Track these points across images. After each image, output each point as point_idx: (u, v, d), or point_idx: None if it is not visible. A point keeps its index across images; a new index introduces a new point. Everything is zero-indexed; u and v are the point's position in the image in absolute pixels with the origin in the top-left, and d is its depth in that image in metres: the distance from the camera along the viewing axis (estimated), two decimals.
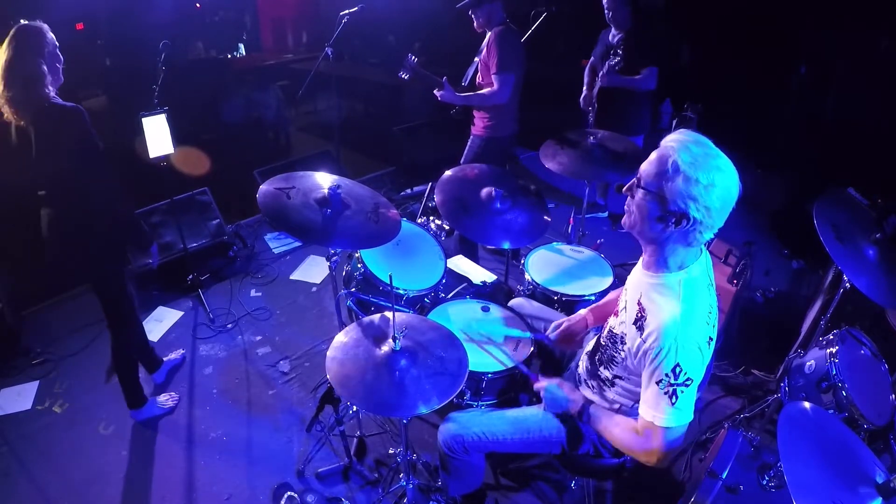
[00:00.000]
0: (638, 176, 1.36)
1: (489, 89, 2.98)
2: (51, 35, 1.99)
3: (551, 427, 1.71)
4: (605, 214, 4.34)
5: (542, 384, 1.71)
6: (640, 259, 1.52)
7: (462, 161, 3.23)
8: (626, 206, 1.42)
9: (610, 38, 3.48)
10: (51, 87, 1.96)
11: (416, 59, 2.85)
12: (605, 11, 3.39)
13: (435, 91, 2.99)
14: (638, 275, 1.52)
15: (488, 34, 2.98)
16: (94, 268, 2.21)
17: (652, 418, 1.37)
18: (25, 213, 2.20)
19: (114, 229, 2.16)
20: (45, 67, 1.93)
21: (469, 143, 3.24)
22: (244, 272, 3.64)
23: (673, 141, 1.30)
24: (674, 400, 1.32)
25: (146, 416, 2.57)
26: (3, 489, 2.27)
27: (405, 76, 2.89)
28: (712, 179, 1.24)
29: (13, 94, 1.89)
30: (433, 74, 2.96)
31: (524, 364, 1.93)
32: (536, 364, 2.07)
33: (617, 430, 1.51)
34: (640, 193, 1.35)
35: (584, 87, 3.81)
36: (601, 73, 3.43)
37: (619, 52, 3.34)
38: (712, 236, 1.35)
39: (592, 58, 3.69)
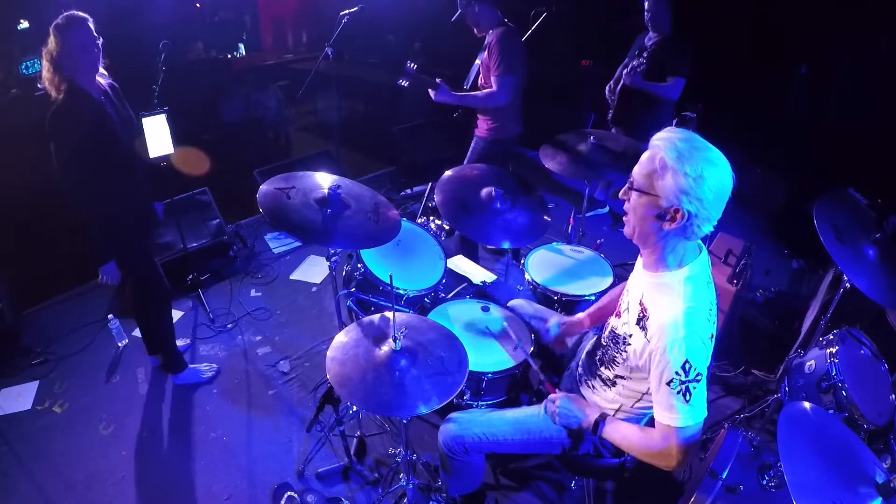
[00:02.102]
0: (631, 179, 1.37)
1: (487, 91, 2.97)
2: (83, 25, 2.05)
3: (552, 428, 1.70)
4: (606, 210, 4.33)
5: (557, 396, 1.68)
6: (639, 260, 1.52)
7: (465, 162, 3.22)
8: (623, 212, 1.42)
9: (646, 41, 3.43)
10: (79, 76, 2.07)
11: (414, 66, 2.82)
12: (645, 13, 3.31)
13: (430, 91, 2.98)
14: (638, 275, 1.53)
15: (489, 36, 2.97)
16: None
17: (669, 421, 1.36)
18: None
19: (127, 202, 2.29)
20: (72, 57, 2.02)
21: (472, 145, 3.23)
22: (244, 272, 3.64)
23: (660, 140, 1.31)
24: (688, 397, 1.32)
25: (183, 382, 2.77)
26: (3, 489, 2.27)
27: (405, 83, 2.85)
28: (700, 171, 1.24)
29: (55, 80, 2.03)
30: (431, 77, 2.93)
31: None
32: (537, 363, 2.07)
33: (633, 437, 1.50)
34: (633, 196, 1.36)
35: (612, 81, 3.67)
36: (625, 72, 3.38)
37: (645, 56, 3.28)
38: (712, 229, 1.35)
39: (627, 59, 3.59)
